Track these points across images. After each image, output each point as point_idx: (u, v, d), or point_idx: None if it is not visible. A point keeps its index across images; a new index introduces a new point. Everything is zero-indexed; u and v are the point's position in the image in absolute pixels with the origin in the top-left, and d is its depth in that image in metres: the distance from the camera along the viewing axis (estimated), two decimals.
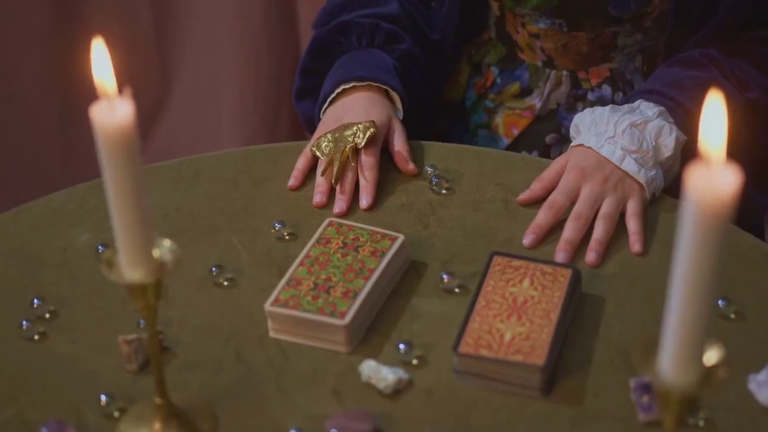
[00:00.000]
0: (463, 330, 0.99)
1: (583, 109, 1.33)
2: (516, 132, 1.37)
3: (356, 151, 1.18)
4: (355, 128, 1.18)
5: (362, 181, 1.17)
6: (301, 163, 1.21)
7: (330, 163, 1.17)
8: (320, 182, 1.17)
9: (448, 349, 1.00)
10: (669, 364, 0.72)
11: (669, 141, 1.16)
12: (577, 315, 1.03)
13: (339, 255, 1.07)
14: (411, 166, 1.20)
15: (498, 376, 0.97)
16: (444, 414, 0.96)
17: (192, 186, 1.21)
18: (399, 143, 1.21)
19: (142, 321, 1.04)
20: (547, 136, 1.36)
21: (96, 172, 1.12)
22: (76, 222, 1.17)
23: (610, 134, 1.16)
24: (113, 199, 0.82)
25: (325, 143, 1.18)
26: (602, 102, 1.34)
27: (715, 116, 0.66)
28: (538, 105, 1.36)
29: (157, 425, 0.93)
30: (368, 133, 1.17)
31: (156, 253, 0.86)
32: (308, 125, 1.35)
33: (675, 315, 0.70)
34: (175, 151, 2.10)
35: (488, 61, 1.39)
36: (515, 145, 1.38)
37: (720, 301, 1.03)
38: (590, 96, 1.35)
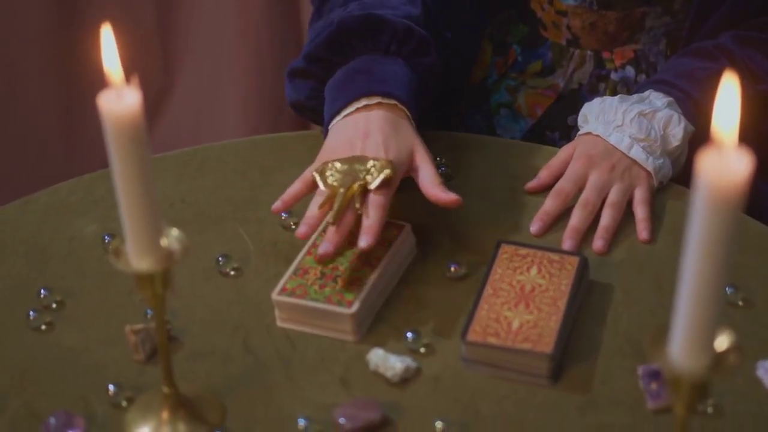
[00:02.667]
0: (471, 318, 0.99)
1: (605, 90, 1.33)
2: (539, 112, 1.36)
3: (364, 190, 1.04)
4: (369, 165, 1.04)
5: (365, 221, 1.02)
6: (297, 187, 1.07)
7: (331, 198, 1.03)
8: (313, 214, 1.04)
9: (456, 337, 1.00)
10: (680, 350, 0.71)
11: (677, 131, 1.16)
12: (585, 303, 1.03)
13: (346, 244, 1.07)
14: (452, 197, 1.05)
15: (506, 364, 0.97)
16: (452, 402, 0.95)
17: (197, 176, 1.21)
18: (427, 180, 1.06)
19: (149, 311, 1.04)
20: (569, 118, 1.34)
21: (101, 165, 1.12)
22: (82, 212, 1.17)
23: (619, 123, 1.16)
24: (121, 187, 0.82)
25: (330, 173, 1.04)
26: (625, 83, 1.33)
27: (728, 101, 0.66)
28: (562, 84, 1.35)
29: (165, 414, 0.93)
30: (382, 176, 1.03)
31: (163, 241, 0.86)
32: (297, 107, 1.22)
33: (685, 300, 0.70)
34: (179, 143, 2.10)
35: (510, 40, 1.37)
36: (538, 126, 1.36)
37: (728, 288, 1.03)
38: (613, 76, 1.33)
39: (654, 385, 0.94)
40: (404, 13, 1.17)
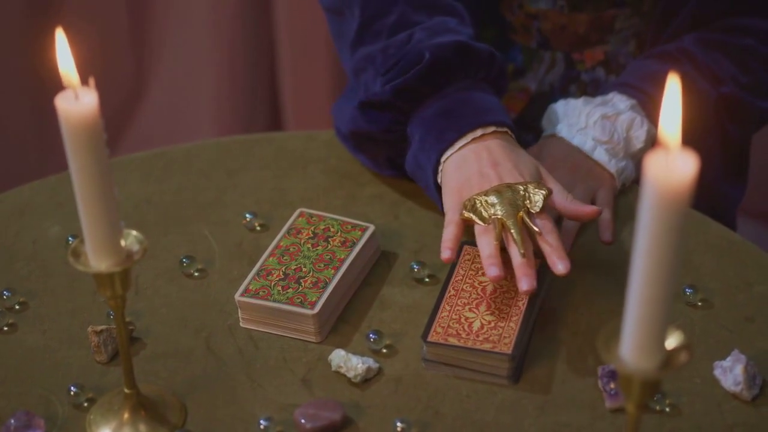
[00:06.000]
0: (433, 319, 1.00)
1: (576, 91, 1.34)
2: (513, 115, 1.36)
3: (527, 214, 1.02)
4: (522, 190, 1.03)
5: (546, 248, 1.00)
6: (453, 232, 1.03)
7: (501, 232, 1.01)
8: (492, 253, 1.00)
9: (418, 338, 1.00)
10: (630, 349, 0.72)
11: (640, 133, 1.17)
12: (546, 303, 1.04)
13: (309, 245, 1.07)
14: (594, 208, 1.05)
15: (466, 364, 0.98)
16: (413, 402, 0.96)
17: (163, 177, 1.21)
18: (562, 197, 1.06)
19: (112, 312, 1.04)
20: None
21: None
22: (46, 214, 1.17)
23: (582, 125, 1.17)
24: (79, 187, 0.82)
25: (483, 208, 1.02)
26: (595, 84, 1.34)
27: (672, 102, 0.67)
28: (534, 87, 1.35)
29: (126, 415, 0.93)
30: (542, 196, 1.02)
31: (123, 242, 0.86)
32: (359, 137, 1.16)
33: (635, 299, 0.70)
34: (152, 144, 2.09)
35: None
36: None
37: (687, 289, 1.04)
38: (584, 77, 1.33)
39: (612, 385, 0.95)
40: (467, 35, 1.15)
